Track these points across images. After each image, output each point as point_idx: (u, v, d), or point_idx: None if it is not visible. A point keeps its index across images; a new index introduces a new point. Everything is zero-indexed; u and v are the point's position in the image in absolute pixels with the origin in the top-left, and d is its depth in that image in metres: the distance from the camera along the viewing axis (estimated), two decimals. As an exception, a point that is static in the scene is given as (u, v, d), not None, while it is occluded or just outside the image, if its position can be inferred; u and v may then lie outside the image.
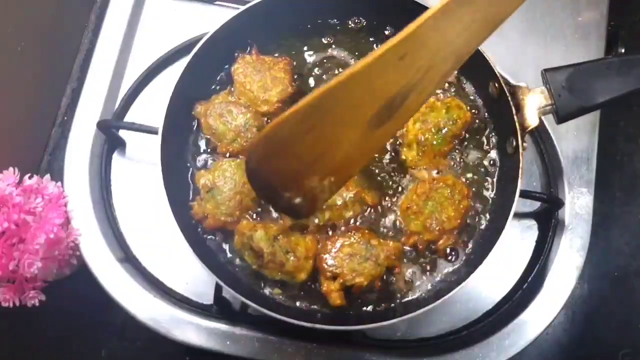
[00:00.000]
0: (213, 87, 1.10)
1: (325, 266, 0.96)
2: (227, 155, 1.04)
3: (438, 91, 1.09)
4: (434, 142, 1.03)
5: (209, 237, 1.03)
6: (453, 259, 1.02)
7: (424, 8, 1.04)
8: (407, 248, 1.02)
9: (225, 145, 1.03)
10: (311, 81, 1.11)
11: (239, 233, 0.98)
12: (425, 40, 0.75)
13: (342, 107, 0.78)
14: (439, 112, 1.04)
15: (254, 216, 1.02)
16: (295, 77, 1.09)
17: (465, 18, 0.76)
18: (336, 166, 0.86)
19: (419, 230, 1.00)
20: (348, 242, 0.98)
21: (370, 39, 1.13)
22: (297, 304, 1.00)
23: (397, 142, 1.07)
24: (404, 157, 1.05)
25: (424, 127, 1.04)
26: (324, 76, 1.11)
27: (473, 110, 1.08)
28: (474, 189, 1.05)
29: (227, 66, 1.09)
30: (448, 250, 1.02)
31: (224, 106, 1.04)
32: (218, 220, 1.00)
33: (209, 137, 1.05)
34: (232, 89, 1.08)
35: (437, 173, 1.04)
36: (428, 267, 1.02)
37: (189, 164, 1.06)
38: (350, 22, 1.13)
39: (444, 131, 1.04)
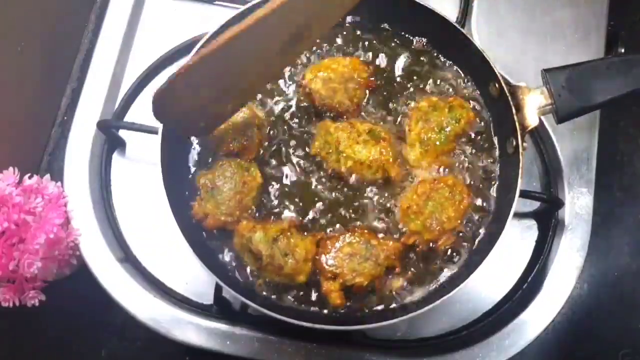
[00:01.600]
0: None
1: (326, 266, 0.96)
2: (228, 154, 1.04)
3: (440, 90, 1.09)
4: (437, 142, 1.03)
5: (209, 237, 1.03)
6: (453, 259, 1.03)
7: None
8: (407, 248, 1.02)
9: (227, 144, 1.03)
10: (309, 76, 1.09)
11: (238, 234, 0.99)
12: None
13: (258, 41, 0.80)
14: (441, 112, 1.04)
15: (256, 214, 1.02)
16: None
17: None
18: (241, 94, 0.91)
19: (419, 230, 1.00)
20: (348, 242, 0.98)
21: (365, 36, 1.13)
22: (297, 304, 1.00)
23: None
24: (406, 156, 1.05)
25: (426, 127, 1.04)
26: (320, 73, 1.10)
27: (473, 110, 1.08)
28: (474, 189, 1.05)
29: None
30: (448, 250, 1.02)
31: None
32: (218, 220, 1.00)
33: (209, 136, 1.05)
34: None
35: (440, 172, 1.04)
36: (428, 267, 1.02)
37: (189, 164, 1.06)
38: (347, 19, 1.14)
39: (447, 130, 1.03)
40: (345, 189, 1.05)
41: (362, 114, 1.08)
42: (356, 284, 0.96)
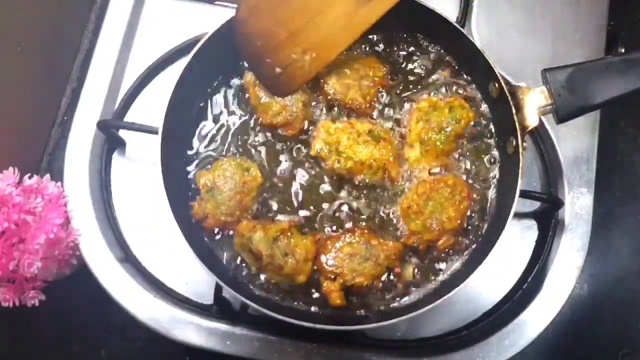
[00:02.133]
0: (213, 85, 1.10)
1: (326, 266, 0.96)
2: (269, 126, 1.05)
3: (440, 90, 1.09)
4: (437, 142, 1.03)
5: (209, 237, 1.03)
6: (453, 259, 1.03)
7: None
8: (407, 248, 1.02)
9: (270, 116, 1.04)
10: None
11: (238, 234, 0.99)
12: None
13: None
14: (442, 112, 1.04)
15: (255, 212, 1.02)
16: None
17: None
18: (319, 41, 0.87)
19: (419, 230, 1.00)
20: (348, 242, 0.98)
21: (368, 37, 1.13)
22: (297, 304, 1.00)
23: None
24: (407, 156, 1.05)
25: (427, 127, 1.04)
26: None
27: (473, 110, 1.08)
28: (474, 189, 1.05)
29: (229, 65, 1.10)
30: (448, 250, 1.02)
31: None
32: (218, 220, 1.00)
33: (255, 106, 1.06)
34: None
35: (440, 172, 1.04)
36: (428, 267, 1.02)
37: (189, 163, 1.06)
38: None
39: (447, 130, 1.03)
40: (346, 189, 1.05)
41: (373, 113, 1.08)
42: (356, 284, 0.96)
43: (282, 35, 0.85)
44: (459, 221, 1.00)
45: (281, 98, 1.03)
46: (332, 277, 0.96)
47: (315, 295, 1.00)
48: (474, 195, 1.04)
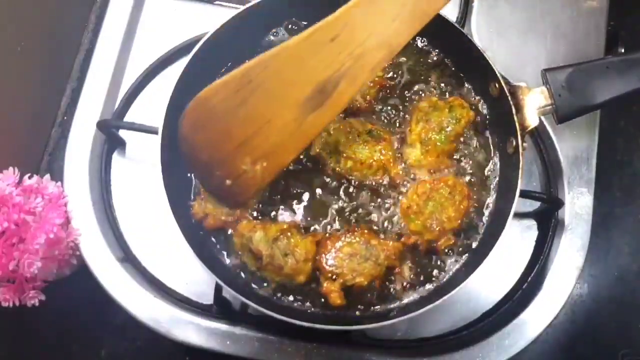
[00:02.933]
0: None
1: (326, 267, 0.96)
2: None
3: (440, 90, 1.09)
4: (438, 142, 1.03)
5: (209, 237, 1.03)
6: (453, 259, 1.02)
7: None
8: (407, 248, 1.02)
9: None
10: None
11: (238, 234, 0.98)
12: (354, 26, 0.79)
13: (274, 82, 0.79)
14: (442, 112, 1.04)
15: (255, 214, 1.02)
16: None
17: (392, 10, 0.80)
18: (268, 150, 0.86)
19: (419, 230, 1.00)
20: (348, 242, 0.98)
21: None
22: (297, 304, 1.00)
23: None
24: (407, 156, 1.05)
25: (427, 127, 1.04)
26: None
27: (473, 110, 1.08)
28: (474, 189, 1.05)
29: (229, 64, 1.10)
30: (448, 250, 1.02)
31: None
32: (218, 220, 1.00)
33: None
34: None
35: (440, 172, 1.04)
36: (428, 267, 1.02)
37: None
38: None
39: (447, 130, 1.03)
40: (346, 189, 1.05)
41: (373, 116, 1.08)
42: (356, 284, 0.96)
43: (229, 147, 0.84)
44: (459, 221, 1.00)
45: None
46: (332, 277, 0.96)
47: (316, 295, 1.00)
48: (474, 195, 1.04)
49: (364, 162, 1.01)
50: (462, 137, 1.06)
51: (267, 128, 0.83)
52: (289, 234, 0.97)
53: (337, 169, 1.02)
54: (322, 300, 0.99)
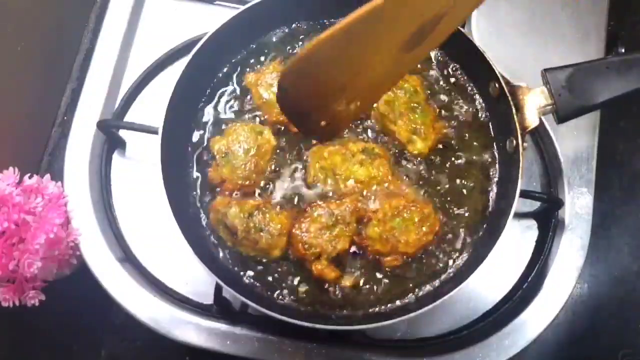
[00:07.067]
0: (213, 85, 1.10)
1: (307, 252, 0.97)
2: (275, 124, 1.05)
3: (440, 90, 1.09)
4: (421, 120, 1.03)
5: (208, 236, 1.03)
6: (453, 259, 1.02)
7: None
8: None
9: (276, 114, 1.04)
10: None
11: (214, 210, 1.00)
12: None
13: (378, 30, 0.77)
14: (398, 93, 1.04)
15: (270, 175, 1.03)
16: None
17: None
18: (364, 90, 0.86)
19: (373, 237, 0.99)
20: (314, 218, 0.98)
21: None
22: (297, 303, 1.00)
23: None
24: (414, 153, 1.05)
25: (406, 118, 1.03)
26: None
27: (474, 110, 1.08)
28: (474, 189, 1.05)
29: (231, 63, 1.10)
30: (448, 250, 1.02)
31: (274, 76, 1.05)
32: (236, 184, 1.00)
33: (259, 105, 1.06)
34: (284, 58, 1.09)
35: (440, 174, 1.04)
36: (428, 267, 1.02)
37: (189, 164, 1.06)
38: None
39: (417, 103, 1.04)
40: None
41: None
42: (340, 251, 0.97)
43: (328, 94, 0.84)
44: (414, 249, 0.99)
45: None
46: (316, 257, 0.97)
47: (316, 295, 1.00)
48: (474, 195, 1.04)
49: (363, 182, 1.01)
50: (432, 97, 1.07)
51: (365, 72, 0.83)
52: (264, 209, 0.98)
53: (338, 190, 1.02)
54: (322, 299, 0.99)
